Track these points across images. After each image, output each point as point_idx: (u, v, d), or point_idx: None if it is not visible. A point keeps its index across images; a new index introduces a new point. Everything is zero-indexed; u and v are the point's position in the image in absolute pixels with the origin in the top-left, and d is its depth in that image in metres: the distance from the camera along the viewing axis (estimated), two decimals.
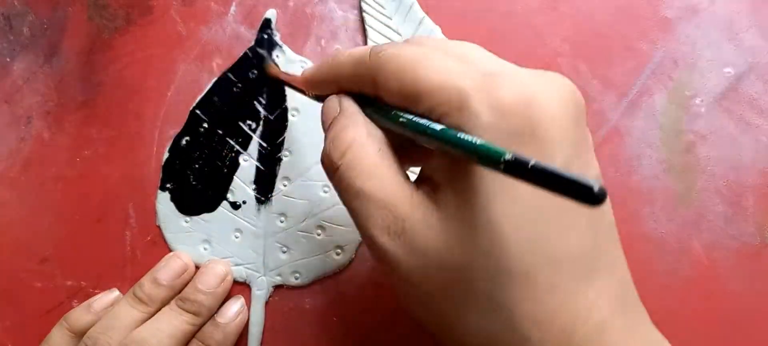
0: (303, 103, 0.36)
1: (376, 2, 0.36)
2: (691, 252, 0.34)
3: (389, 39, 0.36)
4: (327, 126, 0.24)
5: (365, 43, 0.37)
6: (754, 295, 0.34)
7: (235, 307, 0.34)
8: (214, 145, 0.36)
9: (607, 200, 0.20)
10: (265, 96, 0.36)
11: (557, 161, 0.19)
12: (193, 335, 0.32)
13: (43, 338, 0.33)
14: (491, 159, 0.17)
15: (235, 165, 0.36)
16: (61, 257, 0.36)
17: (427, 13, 0.36)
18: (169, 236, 0.35)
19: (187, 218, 0.36)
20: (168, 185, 0.36)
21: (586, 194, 0.14)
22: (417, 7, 0.36)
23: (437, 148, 0.20)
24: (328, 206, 0.35)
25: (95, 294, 0.35)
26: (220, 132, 0.36)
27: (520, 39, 0.37)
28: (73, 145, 0.37)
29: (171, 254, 0.35)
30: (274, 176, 0.36)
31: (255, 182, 0.36)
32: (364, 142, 0.22)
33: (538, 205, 0.19)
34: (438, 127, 0.20)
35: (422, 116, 0.21)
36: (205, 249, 0.35)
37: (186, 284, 0.33)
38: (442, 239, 0.19)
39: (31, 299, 0.36)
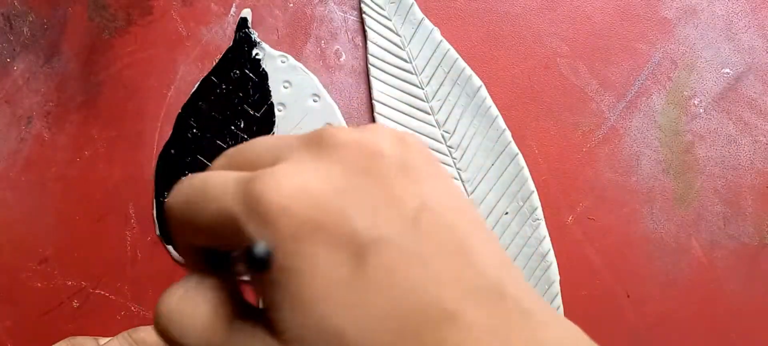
0: (288, 97, 0.36)
1: (376, 3, 0.36)
2: (690, 252, 0.34)
3: (389, 39, 0.36)
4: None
5: (365, 43, 0.37)
6: (752, 294, 0.34)
7: None
8: (204, 150, 0.36)
9: (446, 230, 0.18)
10: (251, 94, 0.37)
11: (356, 229, 0.17)
12: None
13: (43, 338, 0.33)
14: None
15: None
16: (61, 257, 0.36)
17: (426, 14, 0.36)
18: (171, 247, 0.36)
19: None
20: (161, 198, 0.36)
21: (254, 261, 0.14)
22: (416, 8, 0.36)
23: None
24: None
25: (96, 294, 0.35)
26: (209, 135, 0.36)
27: (520, 39, 0.37)
28: (73, 145, 0.37)
29: None
30: None
31: None
32: (190, 298, 0.19)
33: (362, 284, 0.17)
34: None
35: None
36: None
37: None
38: None
39: (31, 299, 0.36)
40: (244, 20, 0.37)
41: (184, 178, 0.20)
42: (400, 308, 0.17)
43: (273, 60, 0.37)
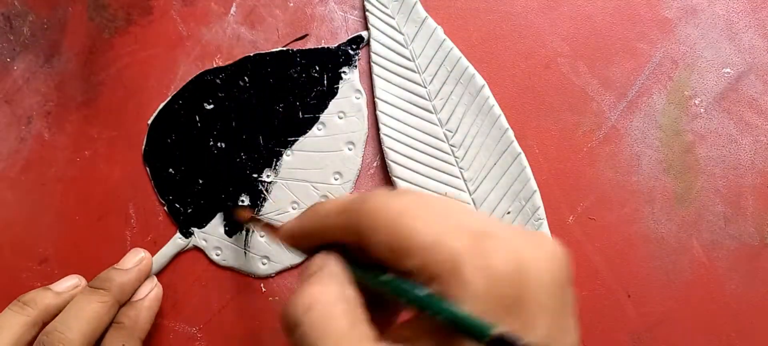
0: (332, 123, 0.36)
1: (379, 2, 0.36)
2: (690, 252, 0.34)
3: (392, 37, 0.36)
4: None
5: (368, 43, 0.37)
6: (753, 294, 0.34)
7: (148, 286, 0.34)
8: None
9: None
10: (309, 96, 0.36)
11: (538, 330, 0.18)
12: (111, 318, 0.32)
13: None
14: (477, 332, 0.17)
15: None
16: (61, 257, 0.36)
17: (428, 13, 0.36)
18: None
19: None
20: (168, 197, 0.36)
21: None
22: (419, 6, 0.36)
23: (419, 311, 0.19)
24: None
25: None
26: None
27: (520, 39, 0.37)
28: (73, 145, 0.37)
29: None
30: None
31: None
32: (334, 301, 0.20)
33: None
34: (423, 292, 0.19)
35: (407, 274, 0.19)
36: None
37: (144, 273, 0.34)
38: None
39: None
40: (360, 38, 0.36)
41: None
42: None
43: (350, 85, 0.36)
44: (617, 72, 0.36)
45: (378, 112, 0.35)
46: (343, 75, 0.36)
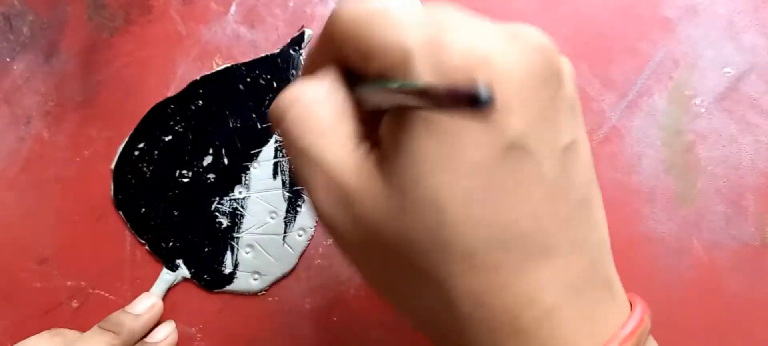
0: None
1: None
2: (691, 252, 0.34)
3: None
4: None
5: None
6: (754, 294, 0.34)
7: (165, 329, 0.34)
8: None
9: (582, 177, 0.19)
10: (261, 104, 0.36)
11: (513, 129, 0.17)
12: None
13: None
14: (407, 95, 0.17)
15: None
16: (61, 257, 0.36)
17: None
18: None
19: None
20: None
21: (475, 102, 0.13)
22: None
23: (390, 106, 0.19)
24: (267, 231, 0.35)
25: (95, 294, 0.35)
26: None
27: None
28: (73, 145, 0.37)
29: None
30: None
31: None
32: (321, 100, 0.19)
33: (488, 178, 0.17)
34: (381, 84, 0.18)
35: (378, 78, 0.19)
36: None
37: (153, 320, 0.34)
38: (386, 211, 0.18)
39: (31, 299, 0.36)
40: (301, 38, 0.37)
41: None
42: (506, 224, 0.17)
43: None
44: (618, 72, 0.36)
45: None
46: (291, 77, 0.36)
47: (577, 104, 0.20)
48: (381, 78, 0.19)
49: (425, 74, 0.17)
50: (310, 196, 0.20)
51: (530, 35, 0.18)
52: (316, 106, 0.19)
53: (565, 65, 0.19)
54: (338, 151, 0.19)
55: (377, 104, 0.19)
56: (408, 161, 0.17)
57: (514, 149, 0.17)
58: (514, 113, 0.17)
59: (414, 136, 0.17)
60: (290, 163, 0.20)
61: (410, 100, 0.17)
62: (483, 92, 0.13)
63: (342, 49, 0.20)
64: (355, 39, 0.19)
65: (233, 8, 0.38)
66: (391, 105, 0.19)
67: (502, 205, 0.17)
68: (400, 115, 0.18)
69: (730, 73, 0.36)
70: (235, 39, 0.37)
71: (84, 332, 0.33)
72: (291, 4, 0.38)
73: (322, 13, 0.37)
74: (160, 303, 0.35)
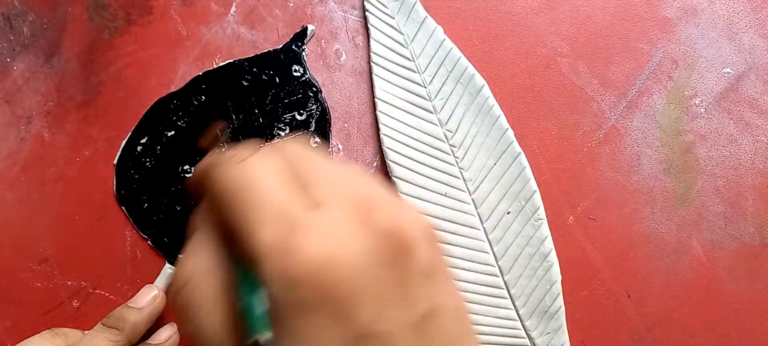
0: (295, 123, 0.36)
1: (379, 2, 0.36)
2: (690, 252, 0.34)
3: (392, 37, 0.36)
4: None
5: (368, 43, 0.37)
6: (753, 295, 0.34)
7: (168, 330, 0.34)
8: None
9: (445, 338, 0.19)
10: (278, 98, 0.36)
11: (362, 318, 0.17)
12: None
13: None
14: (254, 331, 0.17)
15: None
16: (61, 257, 0.36)
17: (428, 13, 0.36)
18: None
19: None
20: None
21: None
22: (419, 6, 0.36)
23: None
24: None
25: (96, 294, 0.35)
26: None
27: (520, 39, 0.37)
28: (73, 145, 0.37)
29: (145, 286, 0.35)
30: None
31: None
32: (202, 277, 0.20)
33: None
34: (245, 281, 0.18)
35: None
36: None
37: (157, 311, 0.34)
38: None
39: (31, 299, 0.36)
40: (303, 33, 0.37)
41: (235, 152, 0.20)
42: None
43: (303, 81, 0.37)
44: (617, 72, 0.36)
45: (378, 112, 0.35)
46: (294, 73, 0.36)
47: (438, 266, 0.20)
48: (243, 265, 0.19)
49: (273, 279, 0.17)
50: None
51: (381, 217, 0.18)
52: (200, 286, 0.20)
53: (419, 232, 0.19)
54: (216, 331, 0.19)
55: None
56: None
57: (365, 338, 0.17)
58: (360, 304, 0.17)
59: (275, 337, 0.18)
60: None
61: None
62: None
63: (218, 215, 0.20)
64: (223, 212, 0.19)
65: (233, 9, 0.38)
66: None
67: None
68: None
69: (729, 73, 0.36)
70: (236, 39, 0.37)
71: (85, 331, 0.33)
72: (291, 4, 0.38)
73: (322, 12, 0.37)
74: (162, 294, 0.34)
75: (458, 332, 0.20)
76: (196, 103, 0.36)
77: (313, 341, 0.17)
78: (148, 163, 0.36)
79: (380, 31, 0.36)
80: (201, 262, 0.20)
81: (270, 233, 0.17)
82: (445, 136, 0.35)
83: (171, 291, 0.20)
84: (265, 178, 0.19)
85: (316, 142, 0.36)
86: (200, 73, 0.37)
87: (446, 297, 0.20)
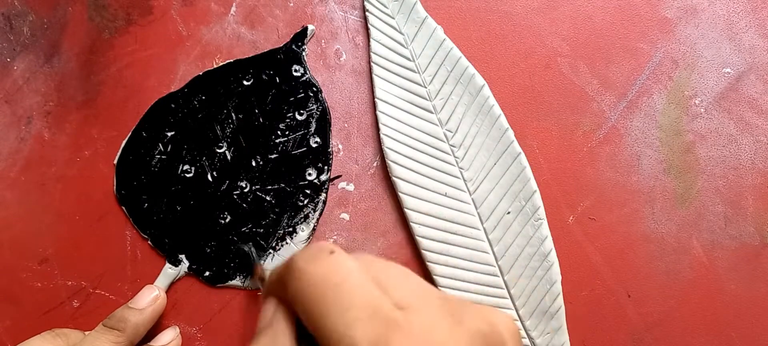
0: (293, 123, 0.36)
1: (379, 2, 0.36)
2: (690, 252, 0.34)
3: (392, 37, 0.36)
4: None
5: (368, 43, 0.37)
6: (753, 294, 0.34)
7: (169, 334, 0.34)
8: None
9: None
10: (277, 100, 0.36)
11: None
12: None
13: None
14: None
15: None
16: (61, 257, 0.36)
17: (428, 13, 0.36)
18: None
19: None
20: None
21: None
22: (419, 6, 0.36)
23: None
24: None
25: (96, 294, 0.35)
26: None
27: (520, 39, 0.37)
28: (73, 145, 0.37)
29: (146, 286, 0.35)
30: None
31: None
32: None
33: None
34: None
35: None
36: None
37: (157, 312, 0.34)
38: None
39: (31, 299, 0.36)
40: (303, 33, 0.37)
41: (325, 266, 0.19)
42: None
43: (303, 81, 0.37)
44: (617, 72, 0.36)
45: (378, 112, 0.35)
46: (294, 73, 0.36)
47: None
48: None
49: None
50: None
51: (472, 318, 0.19)
52: None
53: (509, 332, 0.20)
54: None
55: None
56: None
57: None
58: None
59: None
60: None
61: None
62: None
63: (294, 306, 0.20)
64: (305, 308, 0.19)
65: (233, 9, 0.38)
66: None
67: None
68: None
69: (729, 73, 0.36)
70: (236, 39, 0.37)
71: (85, 331, 0.33)
72: (291, 4, 0.38)
73: (322, 12, 0.38)
74: (163, 295, 0.35)
75: None
76: (196, 103, 0.36)
77: None
78: (148, 163, 0.36)
79: (380, 31, 0.36)
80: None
81: (364, 332, 0.17)
82: (445, 136, 0.35)
83: None
84: (356, 274, 0.19)
85: (316, 142, 0.36)
86: (200, 73, 0.37)
87: None
